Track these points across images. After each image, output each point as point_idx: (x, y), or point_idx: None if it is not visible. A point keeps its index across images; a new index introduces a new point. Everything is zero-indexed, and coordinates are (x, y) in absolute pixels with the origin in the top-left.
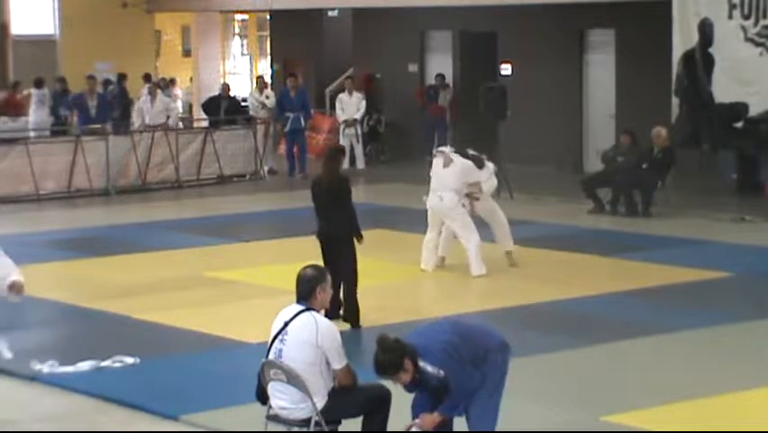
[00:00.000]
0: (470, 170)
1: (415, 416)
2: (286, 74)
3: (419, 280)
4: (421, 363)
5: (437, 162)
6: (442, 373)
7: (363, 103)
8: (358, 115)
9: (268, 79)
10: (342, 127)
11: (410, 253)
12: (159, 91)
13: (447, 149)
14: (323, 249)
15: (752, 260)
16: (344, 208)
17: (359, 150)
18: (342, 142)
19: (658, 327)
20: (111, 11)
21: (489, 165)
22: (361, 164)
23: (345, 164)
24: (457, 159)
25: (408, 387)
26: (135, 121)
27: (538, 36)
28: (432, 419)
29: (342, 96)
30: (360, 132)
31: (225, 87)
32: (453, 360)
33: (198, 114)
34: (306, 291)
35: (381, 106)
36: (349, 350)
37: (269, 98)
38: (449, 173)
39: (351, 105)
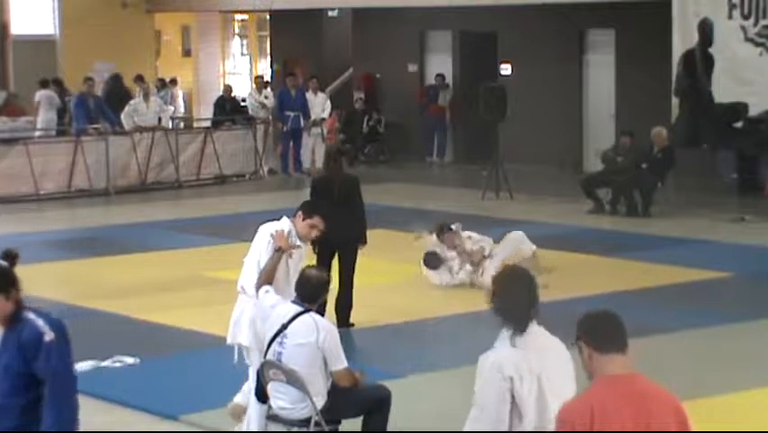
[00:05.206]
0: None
1: None
2: (285, 74)
3: (418, 281)
4: None
5: None
6: None
7: (328, 103)
8: (324, 114)
9: (267, 79)
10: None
11: (410, 253)
12: (154, 90)
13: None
14: (322, 251)
15: (752, 260)
16: (355, 210)
17: (321, 150)
18: (307, 141)
19: (658, 327)
20: (111, 11)
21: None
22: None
23: (307, 164)
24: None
25: None
26: (125, 122)
27: (538, 36)
28: None
29: (308, 96)
30: (324, 132)
31: (227, 89)
32: None
33: (199, 114)
34: (312, 295)
35: (381, 106)
36: (344, 349)
37: (269, 98)
38: None
39: (316, 105)
